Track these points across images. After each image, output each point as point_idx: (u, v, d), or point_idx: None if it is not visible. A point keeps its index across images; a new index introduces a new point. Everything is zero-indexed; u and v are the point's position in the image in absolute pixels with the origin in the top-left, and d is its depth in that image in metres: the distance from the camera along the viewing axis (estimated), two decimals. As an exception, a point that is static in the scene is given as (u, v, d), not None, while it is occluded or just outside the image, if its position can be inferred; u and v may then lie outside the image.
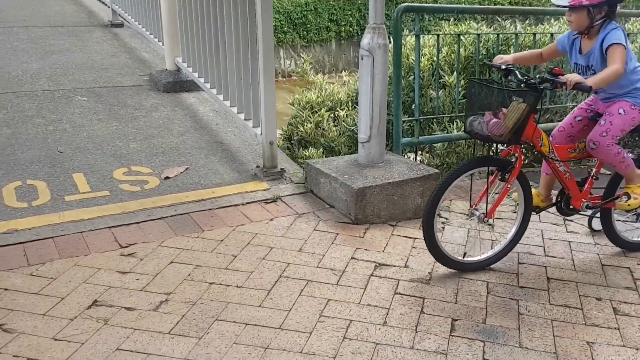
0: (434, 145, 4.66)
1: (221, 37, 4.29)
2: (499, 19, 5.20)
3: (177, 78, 5.31)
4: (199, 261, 2.95)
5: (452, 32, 4.97)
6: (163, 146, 4.27)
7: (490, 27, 5.39)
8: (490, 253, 3.05)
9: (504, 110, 2.73)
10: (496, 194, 2.95)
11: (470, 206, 2.96)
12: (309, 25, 19.91)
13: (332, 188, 3.52)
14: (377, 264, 3.00)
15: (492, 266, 3.03)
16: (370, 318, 2.56)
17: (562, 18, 5.49)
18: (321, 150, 4.89)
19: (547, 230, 3.45)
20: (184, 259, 2.96)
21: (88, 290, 2.67)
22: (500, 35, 4.74)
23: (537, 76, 2.80)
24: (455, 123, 4.67)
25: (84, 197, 3.52)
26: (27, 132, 4.32)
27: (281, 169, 3.94)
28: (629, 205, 3.04)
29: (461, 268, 2.98)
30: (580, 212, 3.17)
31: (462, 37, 4.61)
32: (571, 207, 3.14)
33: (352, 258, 3.05)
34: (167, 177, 3.82)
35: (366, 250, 3.13)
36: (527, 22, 5.29)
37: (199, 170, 3.96)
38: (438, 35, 4.15)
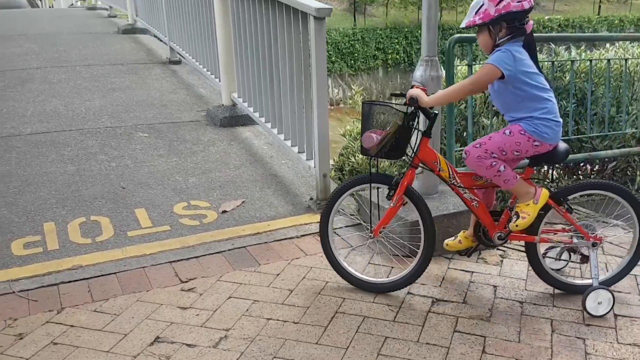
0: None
1: (275, 72, 4.39)
2: (552, 44, 5.11)
3: (233, 113, 5.44)
4: (257, 296, 2.98)
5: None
6: (220, 180, 4.36)
7: (542, 53, 5.30)
8: (389, 278, 3.09)
9: (388, 128, 2.81)
10: None
11: (370, 223, 3.00)
12: (356, 54, 20.19)
13: (388, 221, 3.51)
14: (435, 300, 2.96)
15: (555, 303, 2.94)
16: (430, 357, 2.52)
17: (618, 43, 5.33)
18: (373, 181, 4.87)
19: (612, 264, 3.32)
20: (242, 294, 3.00)
21: (150, 326, 2.73)
22: (555, 62, 4.66)
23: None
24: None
25: (146, 232, 3.62)
26: (90, 169, 4.50)
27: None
28: (517, 225, 2.79)
29: (361, 286, 3.06)
30: (497, 245, 3.00)
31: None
32: (489, 238, 2.99)
33: (409, 293, 3.02)
34: (224, 211, 3.90)
35: (422, 284, 3.09)
36: (582, 47, 5.17)
37: (254, 203, 4.02)
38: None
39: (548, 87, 2.77)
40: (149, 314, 2.83)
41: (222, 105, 5.60)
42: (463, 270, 3.25)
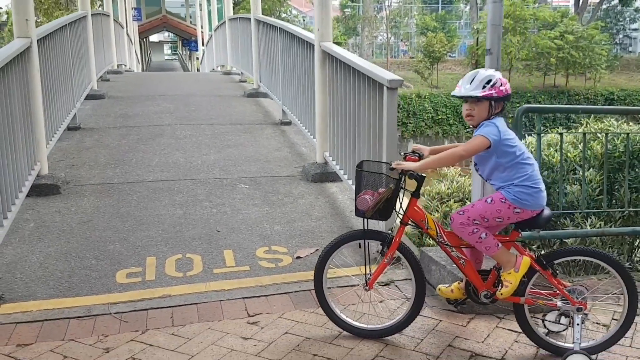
0: (566, 241, 4.59)
1: (358, 134, 4.83)
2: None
3: (324, 170, 5.94)
4: (309, 334, 3.32)
5: (575, 131, 4.96)
6: (301, 229, 4.81)
7: (620, 120, 5.25)
8: (378, 325, 3.31)
9: (380, 190, 3.04)
10: None
11: (365, 276, 3.24)
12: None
13: (441, 275, 3.72)
14: (473, 354, 3.11)
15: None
16: (450, 402, 2.70)
17: None
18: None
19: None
20: (297, 331, 3.35)
21: (214, 351, 3.16)
22: (632, 134, 4.64)
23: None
24: (589, 219, 4.58)
25: (229, 270, 4.12)
26: (195, 214, 5.15)
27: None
28: (501, 294, 2.93)
29: (352, 332, 3.31)
30: (484, 303, 3.12)
31: (587, 136, 4.60)
32: (477, 295, 3.11)
33: (449, 345, 3.20)
34: (298, 257, 4.32)
35: (465, 339, 3.26)
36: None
37: (328, 253, 4.39)
38: (561, 134, 4.23)
39: (529, 154, 2.98)
40: (216, 340, 3.27)
41: (316, 162, 6.12)
42: (510, 330, 3.36)
